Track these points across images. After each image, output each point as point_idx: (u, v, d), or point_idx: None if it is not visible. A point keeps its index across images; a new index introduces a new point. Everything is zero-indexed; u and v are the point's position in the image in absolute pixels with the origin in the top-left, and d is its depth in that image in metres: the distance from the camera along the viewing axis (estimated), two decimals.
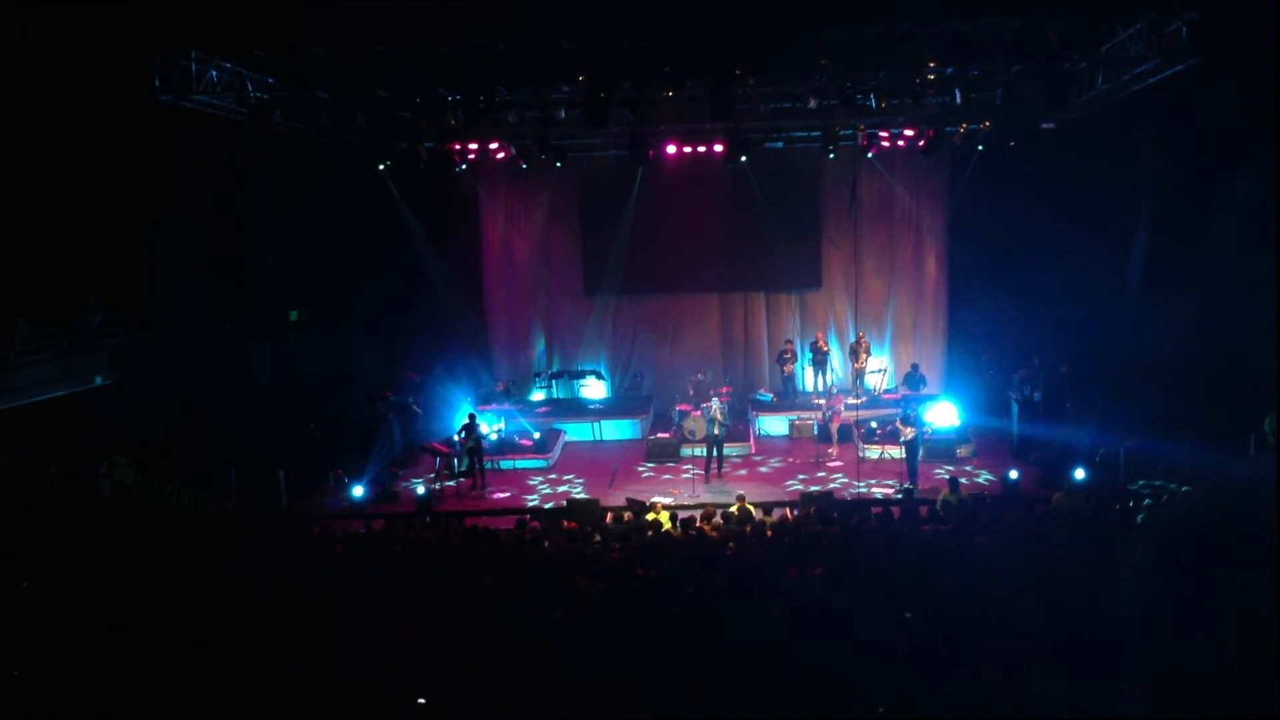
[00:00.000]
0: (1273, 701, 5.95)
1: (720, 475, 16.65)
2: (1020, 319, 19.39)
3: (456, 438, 16.94)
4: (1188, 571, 8.38)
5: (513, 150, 18.37)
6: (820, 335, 20.62)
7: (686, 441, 17.93)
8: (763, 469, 17.45)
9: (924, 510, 12.99)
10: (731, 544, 10.89)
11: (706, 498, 15.29)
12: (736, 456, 18.07)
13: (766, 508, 13.51)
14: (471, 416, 17.03)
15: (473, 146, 18.30)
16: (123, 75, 14.22)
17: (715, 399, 17.13)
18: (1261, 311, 14.60)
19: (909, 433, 15.86)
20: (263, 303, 18.95)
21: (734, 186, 19.89)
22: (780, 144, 19.57)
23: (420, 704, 6.74)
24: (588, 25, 13.80)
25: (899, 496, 14.67)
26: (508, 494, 16.43)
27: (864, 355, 20.26)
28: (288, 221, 18.84)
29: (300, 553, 11.19)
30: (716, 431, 16.61)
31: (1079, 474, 14.23)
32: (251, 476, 15.27)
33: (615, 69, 14.61)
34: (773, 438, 19.50)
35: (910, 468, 15.79)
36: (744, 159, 18.11)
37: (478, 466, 16.64)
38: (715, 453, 16.73)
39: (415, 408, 18.10)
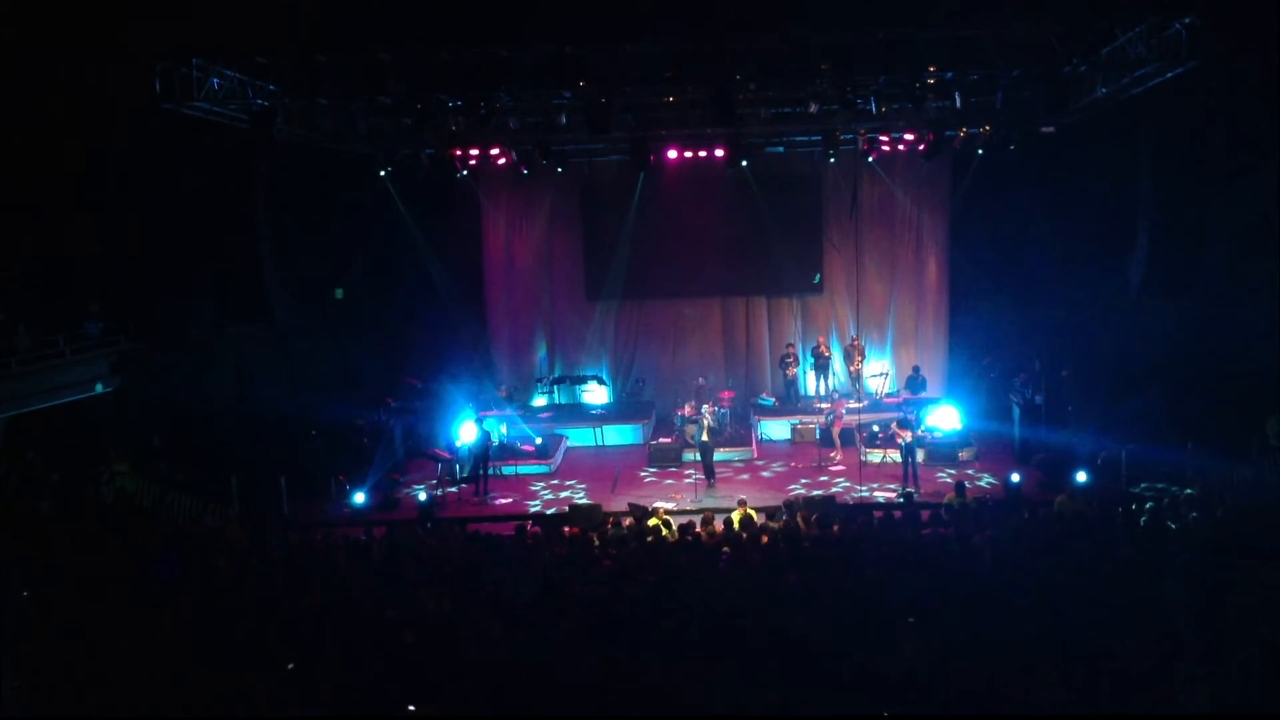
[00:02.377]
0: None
1: (711, 484, 16.40)
2: (1021, 322, 19.38)
3: (461, 444, 16.92)
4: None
5: (514, 156, 18.36)
6: (822, 339, 20.61)
7: (688, 446, 17.91)
8: (765, 473, 17.42)
9: (925, 515, 12.98)
10: (730, 549, 10.88)
11: (709, 503, 15.27)
12: (739, 461, 18.07)
13: (769, 512, 13.50)
14: (475, 423, 17.05)
15: (474, 152, 18.29)
16: (125, 83, 14.25)
17: (704, 406, 17.06)
18: (1263, 314, 14.63)
19: (905, 435, 15.86)
20: (264, 309, 18.95)
21: (735, 191, 19.87)
22: (781, 148, 19.57)
23: (411, 710, 6.74)
24: (588, 31, 13.84)
25: (900, 500, 14.66)
26: (510, 500, 16.41)
27: (858, 357, 20.26)
28: (289, 228, 18.86)
29: (302, 559, 11.19)
30: (705, 439, 16.45)
31: (1081, 477, 14.21)
32: (253, 483, 15.27)
33: (616, 74, 14.62)
34: (775, 442, 19.48)
35: (905, 471, 15.79)
36: (745, 163, 18.10)
37: (481, 473, 16.63)
38: (705, 461, 16.61)
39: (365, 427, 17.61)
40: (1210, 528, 10.71)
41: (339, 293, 19.71)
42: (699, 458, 16.84)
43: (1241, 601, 7.77)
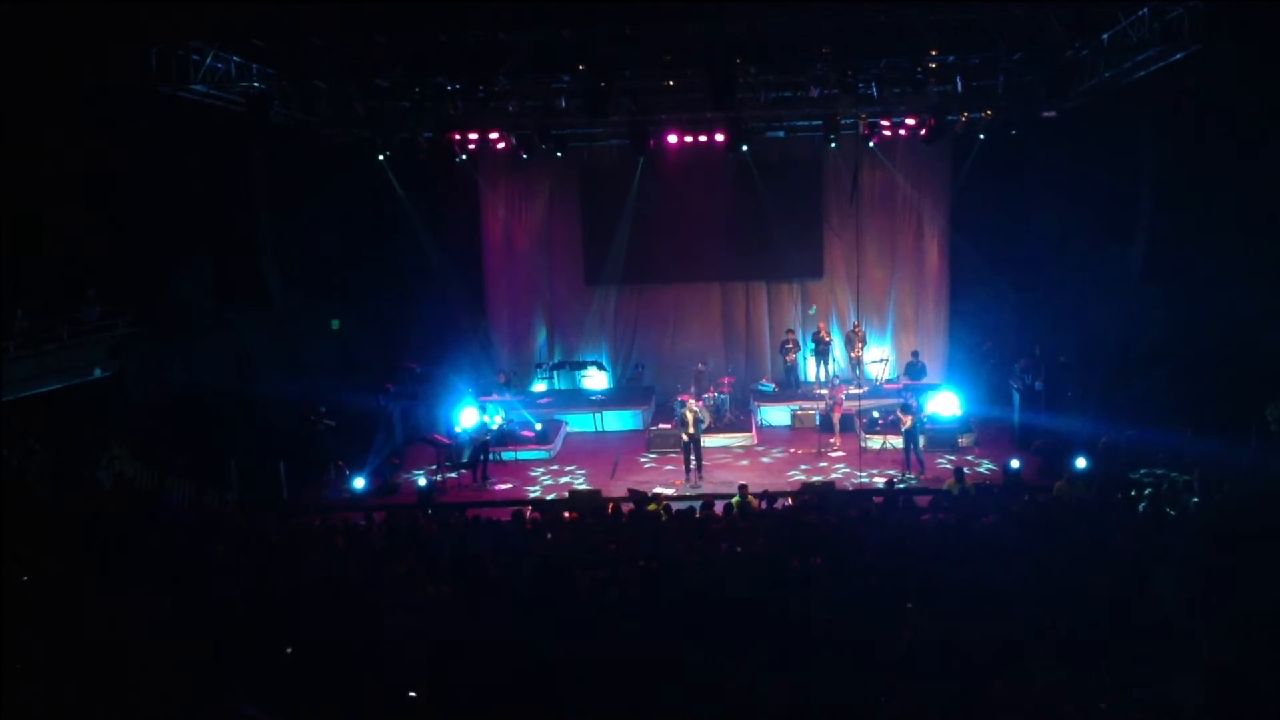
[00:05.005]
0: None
1: (699, 476, 16.15)
2: (1022, 308, 19.36)
3: (460, 429, 16.91)
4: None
5: (513, 140, 18.28)
6: (822, 325, 20.58)
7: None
8: (765, 459, 17.43)
9: (925, 500, 12.98)
10: (733, 534, 10.88)
11: (708, 489, 15.27)
12: (738, 447, 18.07)
13: (769, 498, 13.51)
14: (475, 409, 17.02)
15: (473, 136, 18.21)
16: (121, 66, 14.17)
17: (692, 402, 17.07)
18: (1263, 299, 14.60)
19: (908, 421, 15.86)
20: (262, 293, 18.91)
21: (735, 176, 19.83)
22: (781, 133, 19.49)
23: (412, 697, 6.73)
24: (588, 14, 13.74)
25: (898, 486, 14.65)
26: (509, 485, 16.42)
27: (859, 344, 20.24)
28: (287, 212, 18.79)
29: (301, 544, 11.19)
30: (692, 431, 16.35)
31: (1080, 463, 14.20)
32: (252, 468, 15.26)
33: (616, 58, 14.53)
34: (775, 428, 19.48)
35: (905, 456, 15.81)
36: (745, 148, 18.05)
37: (480, 459, 16.60)
38: (692, 451, 16.51)
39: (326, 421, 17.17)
40: (1209, 514, 10.70)
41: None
42: (705, 444, 16.83)
43: (1240, 588, 7.76)
